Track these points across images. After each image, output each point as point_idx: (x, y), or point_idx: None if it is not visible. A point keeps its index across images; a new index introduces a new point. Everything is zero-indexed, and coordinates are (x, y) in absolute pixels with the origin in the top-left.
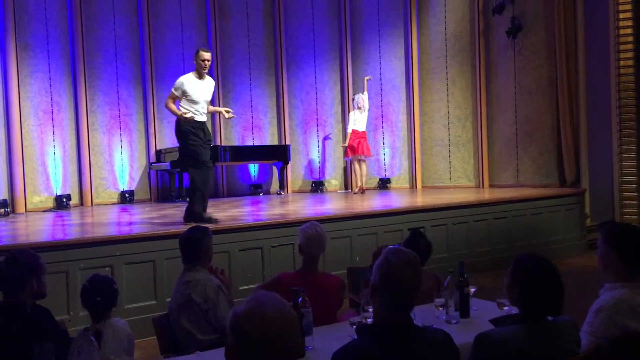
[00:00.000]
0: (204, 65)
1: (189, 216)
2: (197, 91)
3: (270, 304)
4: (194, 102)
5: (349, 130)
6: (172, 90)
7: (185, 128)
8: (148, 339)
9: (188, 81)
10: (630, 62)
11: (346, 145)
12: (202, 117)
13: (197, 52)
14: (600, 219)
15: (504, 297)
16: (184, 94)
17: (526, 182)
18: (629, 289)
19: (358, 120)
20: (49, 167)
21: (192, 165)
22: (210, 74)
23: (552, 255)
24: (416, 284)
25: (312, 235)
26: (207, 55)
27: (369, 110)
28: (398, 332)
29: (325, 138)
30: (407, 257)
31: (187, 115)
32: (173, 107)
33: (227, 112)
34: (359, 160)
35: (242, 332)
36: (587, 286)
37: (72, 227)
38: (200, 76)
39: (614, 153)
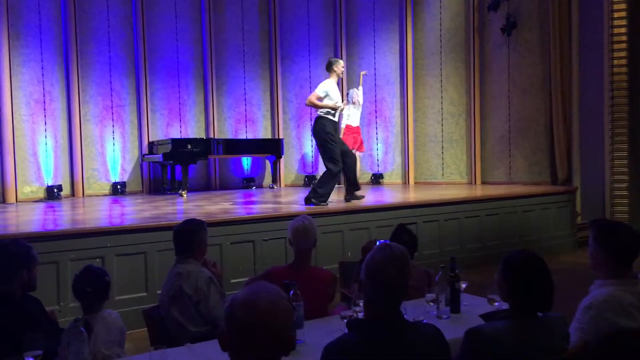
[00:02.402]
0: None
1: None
2: (338, 95)
3: (266, 293)
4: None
5: (343, 125)
6: (318, 92)
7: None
8: (139, 331)
9: (332, 86)
10: (623, 62)
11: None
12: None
13: (338, 61)
14: (591, 217)
15: (494, 293)
16: (327, 95)
17: (518, 180)
18: (619, 287)
19: (352, 115)
20: (40, 158)
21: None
22: (204, 66)
23: (542, 252)
24: (402, 280)
25: (299, 227)
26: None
27: (363, 105)
28: (388, 327)
29: None
30: (392, 252)
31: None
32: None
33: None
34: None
35: (235, 319)
36: (576, 283)
37: (63, 217)
38: (338, 82)
39: (605, 152)
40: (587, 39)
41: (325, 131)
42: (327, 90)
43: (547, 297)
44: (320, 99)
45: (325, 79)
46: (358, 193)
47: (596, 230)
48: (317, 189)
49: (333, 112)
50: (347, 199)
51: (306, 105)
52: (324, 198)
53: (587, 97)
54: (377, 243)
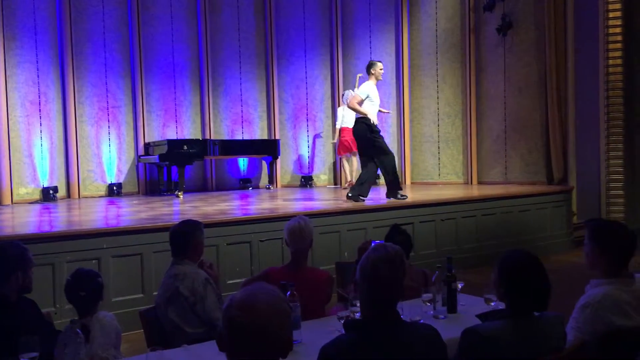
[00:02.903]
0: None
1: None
2: (377, 96)
3: (264, 295)
4: (375, 105)
5: (338, 127)
6: (359, 94)
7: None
8: (135, 332)
9: (372, 88)
10: (618, 62)
11: (336, 142)
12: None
13: (376, 63)
14: (587, 217)
15: (491, 293)
16: (368, 97)
17: (514, 180)
18: (615, 286)
19: (347, 117)
20: (35, 159)
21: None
22: (200, 67)
23: (538, 251)
24: (397, 280)
25: (294, 228)
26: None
27: None
28: (385, 327)
29: (316, 136)
30: (387, 252)
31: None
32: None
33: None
34: (351, 156)
35: (233, 320)
36: (573, 282)
37: (59, 219)
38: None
39: (601, 151)
40: (582, 39)
41: (371, 131)
42: (368, 92)
43: (543, 296)
44: (361, 101)
45: (320, 78)
46: (401, 192)
47: (592, 230)
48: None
49: (373, 110)
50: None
51: (348, 107)
52: (363, 186)
53: (582, 97)
54: (372, 243)
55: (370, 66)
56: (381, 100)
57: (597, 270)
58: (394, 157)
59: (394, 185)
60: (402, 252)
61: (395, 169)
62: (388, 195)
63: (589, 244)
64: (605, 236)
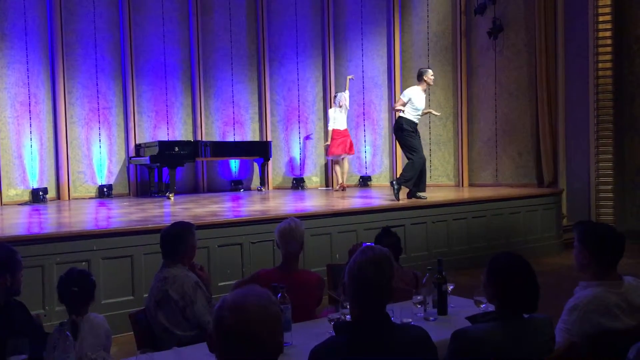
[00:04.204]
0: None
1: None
2: (421, 101)
3: (255, 297)
4: (416, 109)
5: (330, 129)
6: (403, 97)
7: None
8: (125, 335)
9: (416, 92)
10: (608, 65)
11: (328, 144)
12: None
13: (427, 70)
14: (577, 219)
15: (481, 295)
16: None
17: (505, 182)
18: (603, 288)
19: (338, 119)
20: (25, 160)
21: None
22: (191, 68)
23: (528, 254)
24: (384, 281)
25: (285, 230)
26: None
27: (350, 108)
28: (375, 329)
29: (307, 138)
30: (373, 255)
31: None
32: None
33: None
34: (342, 158)
35: (223, 322)
36: (562, 284)
37: (49, 220)
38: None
39: (591, 154)
40: (572, 43)
41: (402, 129)
42: (411, 96)
43: (532, 298)
44: (404, 104)
45: (312, 80)
46: (421, 193)
47: (581, 232)
48: (404, 175)
49: (414, 113)
50: (409, 196)
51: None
52: (409, 182)
53: (572, 100)
54: (363, 245)
55: (421, 74)
56: (373, 103)
57: (586, 272)
58: (423, 156)
59: (415, 184)
60: (389, 254)
61: (422, 168)
62: (409, 195)
63: (578, 247)
64: (594, 239)
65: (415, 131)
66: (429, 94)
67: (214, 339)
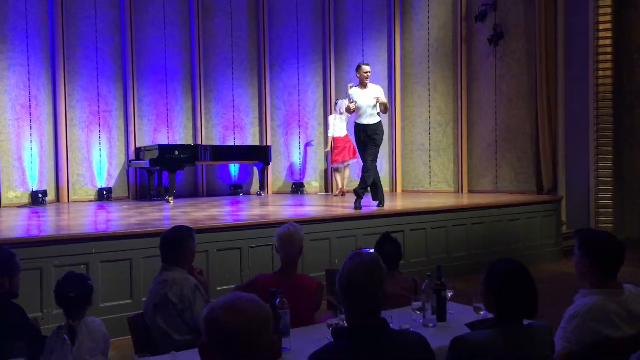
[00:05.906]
0: (365, 77)
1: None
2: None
3: (247, 300)
4: (357, 107)
5: (330, 136)
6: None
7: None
8: (123, 338)
9: (353, 91)
10: (608, 73)
11: (329, 150)
12: (361, 120)
13: (359, 66)
14: (576, 227)
15: (480, 302)
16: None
17: (504, 188)
18: (603, 296)
19: (337, 127)
20: (25, 162)
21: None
22: (192, 72)
23: (527, 261)
24: (374, 286)
25: (284, 234)
26: (366, 67)
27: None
28: (373, 335)
29: (307, 144)
30: (362, 260)
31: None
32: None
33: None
34: (345, 165)
35: (214, 323)
36: (561, 292)
37: (48, 223)
38: (364, 86)
39: (590, 161)
40: (572, 50)
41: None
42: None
43: (531, 305)
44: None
45: (312, 85)
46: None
47: (581, 240)
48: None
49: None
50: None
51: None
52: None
53: (572, 107)
54: (362, 251)
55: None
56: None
57: (586, 280)
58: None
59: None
60: (378, 258)
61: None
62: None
63: (578, 254)
64: (594, 246)
65: (360, 134)
66: (429, 100)
67: (206, 345)
